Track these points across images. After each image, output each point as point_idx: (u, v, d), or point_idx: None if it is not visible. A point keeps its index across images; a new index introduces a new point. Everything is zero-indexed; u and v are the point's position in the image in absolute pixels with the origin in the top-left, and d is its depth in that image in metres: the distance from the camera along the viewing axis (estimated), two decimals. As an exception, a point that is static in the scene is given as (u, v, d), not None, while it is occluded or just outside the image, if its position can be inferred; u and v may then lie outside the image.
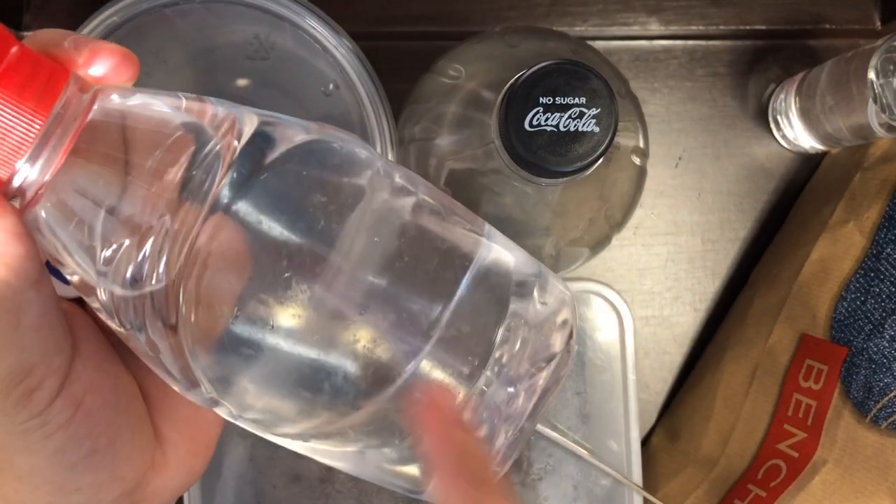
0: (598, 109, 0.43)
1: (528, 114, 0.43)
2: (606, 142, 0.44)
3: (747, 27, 0.74)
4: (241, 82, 0.59)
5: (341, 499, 0.68)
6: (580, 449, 0.67)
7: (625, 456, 0.69)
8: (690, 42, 0.75)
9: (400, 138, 0.59)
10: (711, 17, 0.74)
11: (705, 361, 0.73)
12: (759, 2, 0.74)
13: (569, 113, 0.43)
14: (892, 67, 0.60)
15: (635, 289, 0.75)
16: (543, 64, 0.43)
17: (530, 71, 0.43)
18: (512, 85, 0.44)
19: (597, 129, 0.43)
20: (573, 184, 0.50)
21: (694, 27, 0.74)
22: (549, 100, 0.43)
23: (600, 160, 0.45)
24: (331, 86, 0.59)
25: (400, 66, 0.60)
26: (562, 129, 0.43)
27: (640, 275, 0.75)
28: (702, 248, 0.75)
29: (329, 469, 0.68)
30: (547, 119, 0.43)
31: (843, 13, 0.65)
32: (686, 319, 0.75)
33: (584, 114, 0.43)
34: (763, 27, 0.74)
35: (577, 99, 0.43)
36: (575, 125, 0.43)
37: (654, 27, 0.74)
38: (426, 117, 0.55)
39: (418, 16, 0.72)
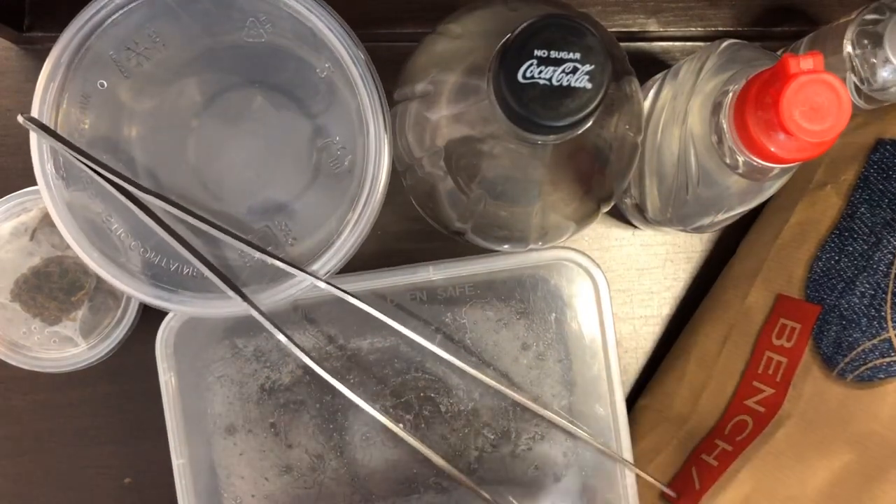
0: (592, 66, 0.41)
1: (521, 65, 0.40)
2: (598, 98, 0.41)
3: (745, 29, 0.72)
4: (239, 74, 0.58)
5: (334, 486, 0.66)
6: (564, 422, 0.66)
7: (611, 419, 0.67)
8: (689, 43, 0.73)
9: (397, 97, 0.56)
10: (710, 18, 0.72)
11: (686, 328, 0.72)
12: (757, 3, 0.72)
13: (562, 67, 0.40)
14: (866, 40, 0.58)
15: (634, 288, 0.73)
16: (541, 16, 0.41)
17: (528, 22, 0.41)
18: (508, 36, 0.42)
19: (589, 86, 0.41)
20: (565, 152, 0.48)
21: (692, 28, 0.72)
22: (544, 53, 0.40)
23: (592, 118, 0.42)
24: (325, 71, 0.58)
25: (399, 68, 0.58)
26: (554, 83, 0.40)
27: (639, 275, 0.73)
28: (700, 247, 0.73)
29: (319, 457, 0.66)
30: (541, 72, 0.40)
31: (840, 15, 0.64)
32: (685, 319, 0.73)
33: (578, 69, 0.40)
34: (761, 28, 0.72)
35: (571, 54, 0.40)
36: (568, 80, 0.40)
37: (653, 28, 0.72)
38: (425, 76, 0.53)
39: (418, 17, 0.71)
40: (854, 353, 0.57)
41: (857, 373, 0.57)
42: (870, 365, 0.57)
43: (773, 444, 0.59)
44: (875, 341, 0.57)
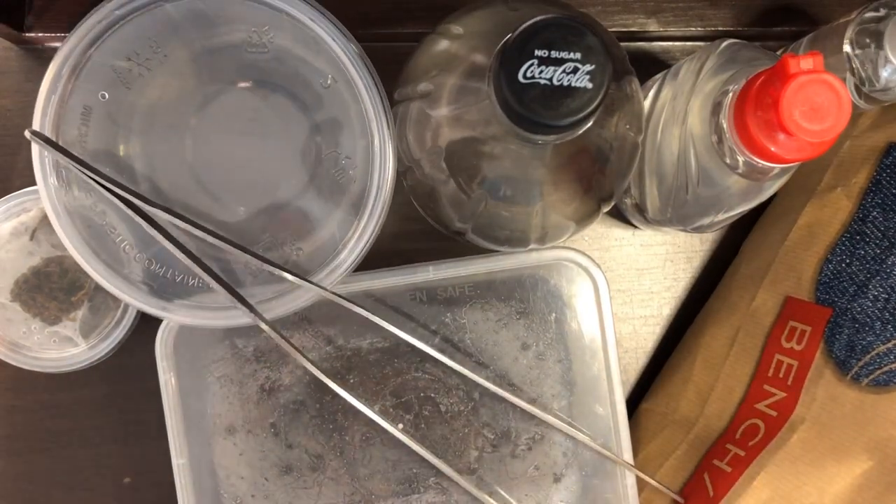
0: (593, 66, 0.40)
1: (522, 65, 0.40)
2: (599, 98, 0.41)
3: (745, 28, 0.72)
4: (240, 76, 0.57)
5: (333, 486, 0.65)
6: (564, 425, 0.66)
7: (611, 419, 0.67)
8: (689, 43, 0.73)
9: (398, 97, 0.56)
10: (710, 18, 0.71)
11: (690, 330, 0.71)
12: (757, 3, 0.72)
13: (563, 67, 0.40)
14: (867, 40, 0.58)
15: (634, 288, 0.72)
16: (542, 17, 0.41)
17: (528, 23, 0.41)
18: (509, 36, 0.42)
19: (590, 86, 0.41)
20: (565, 152, 0.48)
21: (692, 29, 0.72)
22: (545, 53, 0.40)
23: (593, 118, 0.42)
24: (329, 80, 0.58)
25: (398, 68, 0.58)
26: (555, 83, 0.40)
27: (639, 275, 0.73)
28: (700, 247, 0.73)
29: (318, 457, 0.66)
30: (541, 72, 0.40)
31: (840, 14, 0.64)
32: (686, 319, 0.73)
33: (578, 69, 0.40)
34: (760, 28, 0.72)
35: (572, 54, 0.40)
36: (568, 80, 0.40)
37: (653, 28, 0.71)
38: (426, 76, 0.53)
39: (418, 17, 0.70)
40: (868, 356, 0.57)
41: (872, 377, 0.57)
42: (885, 369, 0.56)
43: (788, 450, 0.59)
44: (890, 345, 0.56)
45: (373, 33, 0.69)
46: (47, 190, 0.55)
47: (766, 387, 0.62)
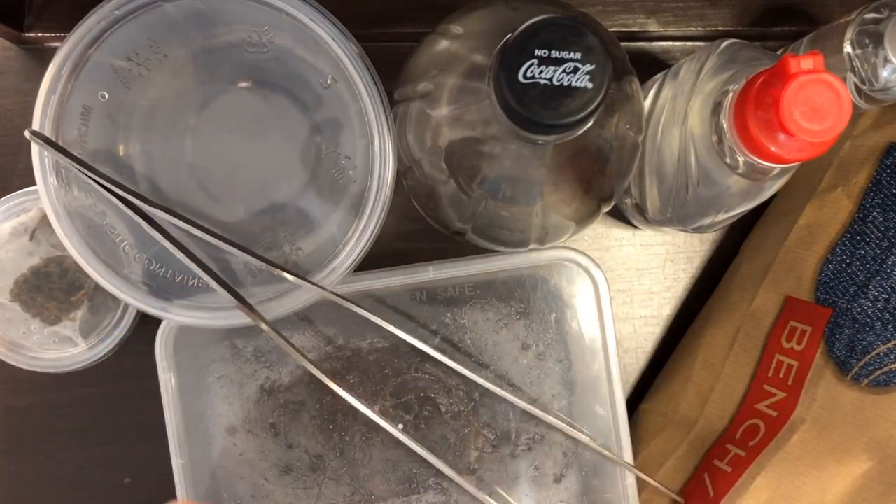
0: (593, 66, 0.40)
1: (522, 65, 0.40)
2: (599, 98, 0.41)
3: (745, 28, 0.72)
4: (240, 76, 0.57)
5: (333, 486, 0.65)
6: (564, 425, 0.66)
7: (611, 419, 0.67)
8: (689, 43, 0.73)
9: (398, 97, 0.56)
10: (710, 18, 0.71)
11: (691, 330, 0.71)
12: (757, 3, 0.72)
13: (563, 67, 0.40)
14: (867, 40, 0.58)
15: (634, 288, 0.72)
16: (542, 17, 0.41)
17: (528, 22, 0.41)
18: (509, 36, 0.41)
19: (590, 86, 0.40)
20: (565, 152, 0.48)
21: (692, 28, 0.72)
22: (545, 52, 0.40)
23: (593, 118, 0.42)
24: (329, 80, 0.58)
25: (398, 68, 0.58)
26: (555, 83, 0.40)
27: (639, 275, 0.72)
28: (700, 247, 0.73)
29: (319, 457, 0.66)
30: (541, 72, 0.40)
31: (840, 14, 0.64)
32: (686, 319, 0.73)
33: (579, 69, 0.40)
34: (761, 28, 0.72)
35: (572, 54, 0.40)
36: (569, 80, 0.40)
37: (653, 28, 0.71)
38: (426, 76, 0.53)
39: (418, 17, 0.70)
40: (868, 357, 0.57)
41: (872, 377, 0.56)
42: (885, 369, 0.56)
43: (788, 450, 0.59)
44: (890, 345, 0.56)
45: (373, 33, 0.69)
46: (47, 190, 0.55)
47: (766, 387, 0.61)
